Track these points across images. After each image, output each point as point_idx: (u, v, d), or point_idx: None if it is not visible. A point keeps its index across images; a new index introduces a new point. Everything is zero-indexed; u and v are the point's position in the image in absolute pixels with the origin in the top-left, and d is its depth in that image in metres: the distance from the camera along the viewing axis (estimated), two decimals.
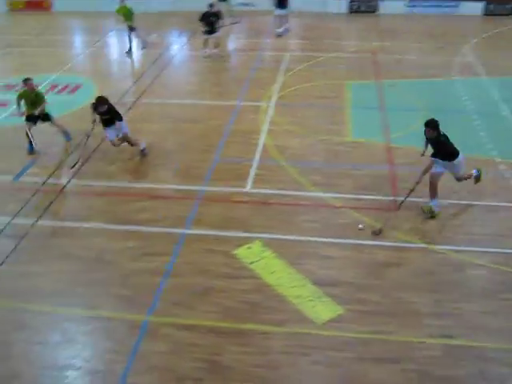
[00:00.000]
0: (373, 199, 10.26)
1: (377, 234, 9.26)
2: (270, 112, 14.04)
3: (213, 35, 17.99)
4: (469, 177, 10.22)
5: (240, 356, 7.13)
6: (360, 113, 13.96)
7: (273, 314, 7.79)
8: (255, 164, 11.56)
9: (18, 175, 11.46)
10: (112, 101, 11.75)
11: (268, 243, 9.16)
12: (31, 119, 12.34)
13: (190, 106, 14.59)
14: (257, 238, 9.31)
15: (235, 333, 7.49)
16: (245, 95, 15.13)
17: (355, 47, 19.28)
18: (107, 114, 11.55)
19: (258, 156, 11.87)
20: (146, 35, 19.50)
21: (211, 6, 17.90)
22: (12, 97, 15.18)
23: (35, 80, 12.32)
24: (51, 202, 10.51)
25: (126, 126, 11.89)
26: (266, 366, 7.00)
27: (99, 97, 11.60)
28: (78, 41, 21.06)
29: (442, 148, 9.41)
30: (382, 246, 9.03)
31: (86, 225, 9.84)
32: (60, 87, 16.01)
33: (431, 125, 9.35)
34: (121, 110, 12.06)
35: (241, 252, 9.01)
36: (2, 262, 8.98)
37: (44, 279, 8.65)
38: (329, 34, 21.05)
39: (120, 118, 11.71)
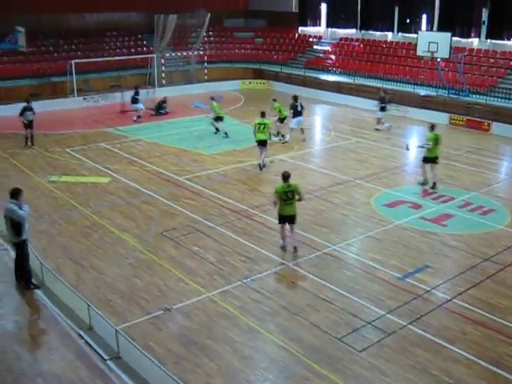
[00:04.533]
0: None
1: None
2: None
3: None
4: None
5: None
6: None
7: None
8: None
9: (406, 276, 11.88)
10: None
11: None
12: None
13: None
14: None
15: None
16: None
17: None
18: None
19: None
20: None
21: None
22: (423, 202, 15.94)
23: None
24: (427, 312, 10.55)
25: None
26: None
27: None
28: (507, 167, 20.78)
29: None
30: None
31: (451, 347, 9.56)
32: (473, 206, 15.99)
33: None
34: None
35: None
36: (364, 349, 9.40)
37: (388, 381, 8.72)
38: None
39: None
